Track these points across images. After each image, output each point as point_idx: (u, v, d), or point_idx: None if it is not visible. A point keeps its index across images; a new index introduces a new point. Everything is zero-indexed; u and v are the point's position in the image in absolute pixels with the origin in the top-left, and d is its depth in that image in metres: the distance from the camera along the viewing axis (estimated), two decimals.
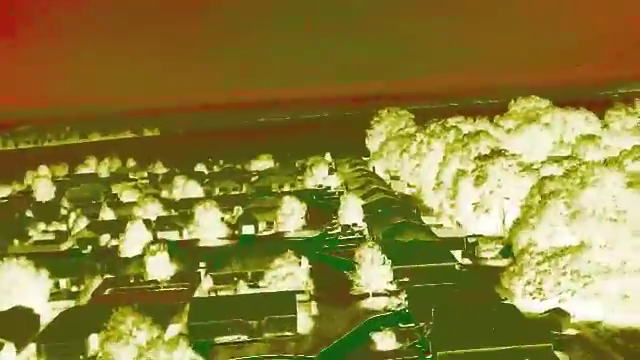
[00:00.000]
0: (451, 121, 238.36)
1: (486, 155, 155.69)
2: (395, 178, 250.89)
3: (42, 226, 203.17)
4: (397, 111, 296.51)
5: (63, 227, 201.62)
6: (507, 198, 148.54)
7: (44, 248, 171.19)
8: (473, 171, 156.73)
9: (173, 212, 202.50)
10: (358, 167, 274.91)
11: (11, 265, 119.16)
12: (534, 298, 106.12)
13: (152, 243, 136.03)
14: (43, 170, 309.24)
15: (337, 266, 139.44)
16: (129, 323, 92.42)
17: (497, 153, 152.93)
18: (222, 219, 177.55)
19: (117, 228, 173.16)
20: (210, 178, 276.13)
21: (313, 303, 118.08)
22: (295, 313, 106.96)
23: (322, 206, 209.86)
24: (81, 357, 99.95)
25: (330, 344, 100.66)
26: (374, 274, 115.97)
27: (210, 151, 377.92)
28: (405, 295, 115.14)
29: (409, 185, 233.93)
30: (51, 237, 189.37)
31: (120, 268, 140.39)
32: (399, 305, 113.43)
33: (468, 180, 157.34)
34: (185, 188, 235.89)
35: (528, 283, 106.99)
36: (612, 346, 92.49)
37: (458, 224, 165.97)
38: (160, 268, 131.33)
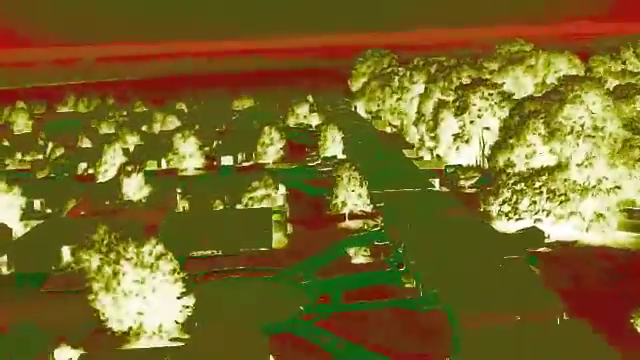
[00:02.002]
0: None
1: (467, 84, 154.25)
2: (377, 117, 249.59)
3: (19, 156, 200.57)
4: (380, 51, 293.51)
5: (40, 157, 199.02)
6: (487, 128, 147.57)
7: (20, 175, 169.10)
8: (454, 101, 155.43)
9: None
10: (340, 107, 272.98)
11: None
12: (509, 218, 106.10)
13: (127, 164, 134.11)
14: (20, 105, 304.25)
15: (314, 193, 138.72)
16: (101, 232, 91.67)
17: (478, 82, 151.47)
18: (200, 147, 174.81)
19: (94, 156, 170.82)
20: (190, 115, 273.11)
21: (289, 224, 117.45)
22: (270, 229, 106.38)
23: (302, 141, 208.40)
24: (53, 267, 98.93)
25: (305, 259, 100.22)
26: (351, 194, 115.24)
27: (192, 93, 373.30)
28: (381, 217, 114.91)
29: (390, 124, 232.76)
30: (28, 166, 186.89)
31: (95, 191, 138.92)
32: (375, 226, 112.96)
33: (449, 111, 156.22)
34: (164, 123, 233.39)
35: (504, 203, 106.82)
36: (585, 263, 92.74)
37: (438, 157, 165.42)
38: (135, 190, 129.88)
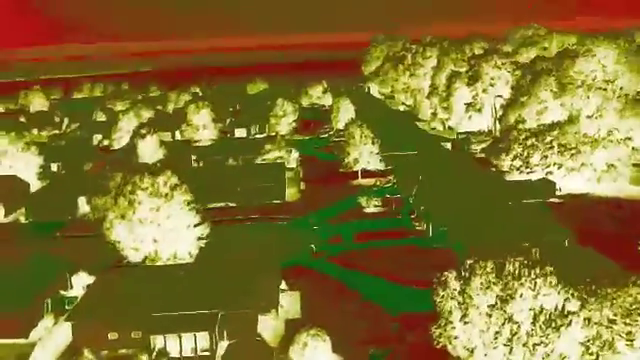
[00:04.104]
0: None
1: (480, 55, 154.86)
2: (390, 97, 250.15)
3: (35, 132, 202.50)
4: (393, 36, 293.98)
5: (56, 132, 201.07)
6: (500, 96, 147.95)
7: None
8: (467, 71, 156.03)
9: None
10: (354, 89, 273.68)
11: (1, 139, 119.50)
12: (521, 172, 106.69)
13: (141, 126, 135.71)
14: (37, 87, 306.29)
15: (327, 158, 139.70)
16: (118, 179, 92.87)
17: (491, 52, 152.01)
18: (213, 120, 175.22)
19: (109, 129, 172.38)
20: (204, 96, 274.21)
21: (302, 182, 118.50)
22: (284, 182, 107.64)
23: (315, 117, 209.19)
24: (69, 217, 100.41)
25: (318, 209, 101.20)
26: (363, 150, 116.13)
27: (206, 79, 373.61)
28: (393, 175, 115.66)
29: (403, 103, 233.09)
30: (44, 140, 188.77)
31: (111, 156, 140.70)
32: (387, 182, 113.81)
33: (462, 81, 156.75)
34: (178, 102, 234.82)
35: (515, 157, 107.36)
36: (596, 210, 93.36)
37: (450, 128, 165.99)
38: (150, 152, 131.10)
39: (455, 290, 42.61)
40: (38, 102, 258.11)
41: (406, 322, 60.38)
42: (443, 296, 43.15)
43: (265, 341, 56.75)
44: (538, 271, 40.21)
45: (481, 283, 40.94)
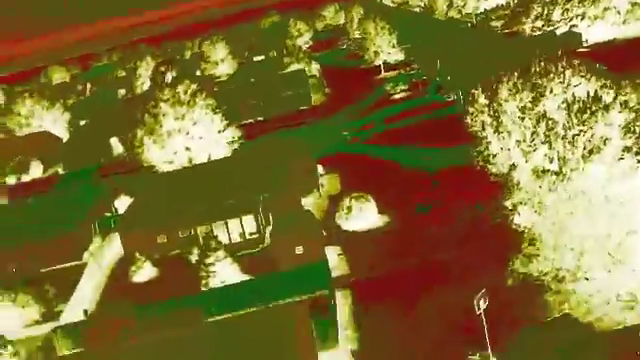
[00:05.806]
0: None
1: None
2: (404, 3, 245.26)
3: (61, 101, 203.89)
4: None
5: (81, 98, 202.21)
6: None
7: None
8: None
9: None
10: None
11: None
12: (544, 32, 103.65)
13: (160, 64, 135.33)
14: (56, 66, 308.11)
15: (348, 64, 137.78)
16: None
17: None
18: (230, 53, 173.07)
19: (131, 83, 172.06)
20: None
21: (325, 88, 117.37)
22: (308, 88, 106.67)
23: (331, 36, 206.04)
24: (102, 160, 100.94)
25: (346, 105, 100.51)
26: (382, 42, 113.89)
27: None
28: (415, 61, 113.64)
29: (418, 6, 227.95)
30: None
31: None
32: (411, 70, 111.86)
33: None
34: (194, 49, 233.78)
35: (536, 18, 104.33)
36: (627, 53, 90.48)
37: (467, 14, 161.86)
38: None
39: (484, 104, 41.62)
40: (59, 76, 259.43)
41: (446, 177, 59.65)
42: (473, 113, 42.20)
43: (312, 213, 56.54)
44: (565, 63, 38.89)
45: (509, 89, 39.87)
